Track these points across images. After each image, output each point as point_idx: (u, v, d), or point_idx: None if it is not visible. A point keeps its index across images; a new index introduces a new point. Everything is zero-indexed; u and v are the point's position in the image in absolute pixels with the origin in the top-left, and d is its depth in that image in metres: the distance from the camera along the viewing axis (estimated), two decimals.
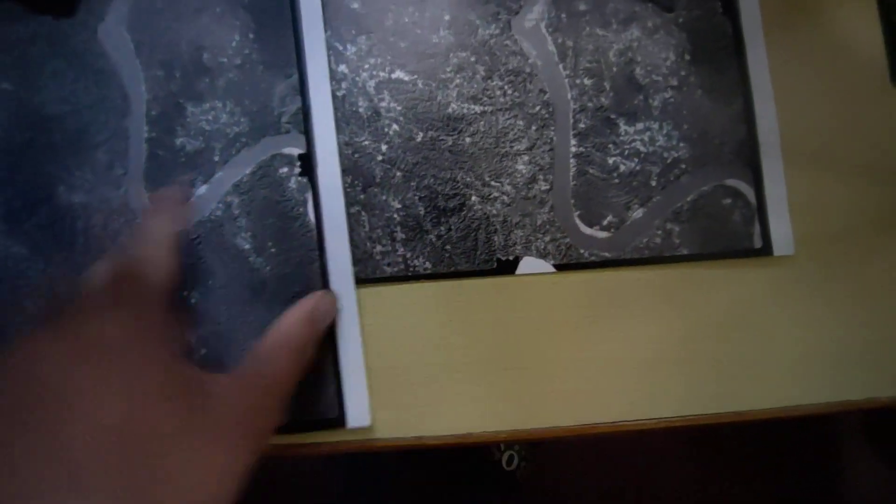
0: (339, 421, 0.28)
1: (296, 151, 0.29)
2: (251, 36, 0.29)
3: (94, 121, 0.30)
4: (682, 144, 0.29)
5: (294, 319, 0.25)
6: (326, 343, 0.28)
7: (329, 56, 0.29)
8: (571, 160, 0.29)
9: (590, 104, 0.29)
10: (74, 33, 0.30)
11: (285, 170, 0.29)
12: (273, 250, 0.28)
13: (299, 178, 0.28)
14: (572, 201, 0.29)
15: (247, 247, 0.28)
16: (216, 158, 0.29)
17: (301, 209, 0.28)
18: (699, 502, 0.91)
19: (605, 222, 0.29)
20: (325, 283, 0.28)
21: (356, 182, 0.29)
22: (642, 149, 0.29)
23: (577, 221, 0.29)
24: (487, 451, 0.83)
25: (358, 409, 0.28)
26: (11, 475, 0.18)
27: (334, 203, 0.28)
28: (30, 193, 0.29)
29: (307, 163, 0.28)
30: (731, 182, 0.29)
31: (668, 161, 0.29)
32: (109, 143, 0.29)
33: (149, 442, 0.19)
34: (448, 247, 0.29)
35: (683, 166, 0.29)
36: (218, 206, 0.29)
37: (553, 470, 0.91)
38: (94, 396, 0.20)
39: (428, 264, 0.29)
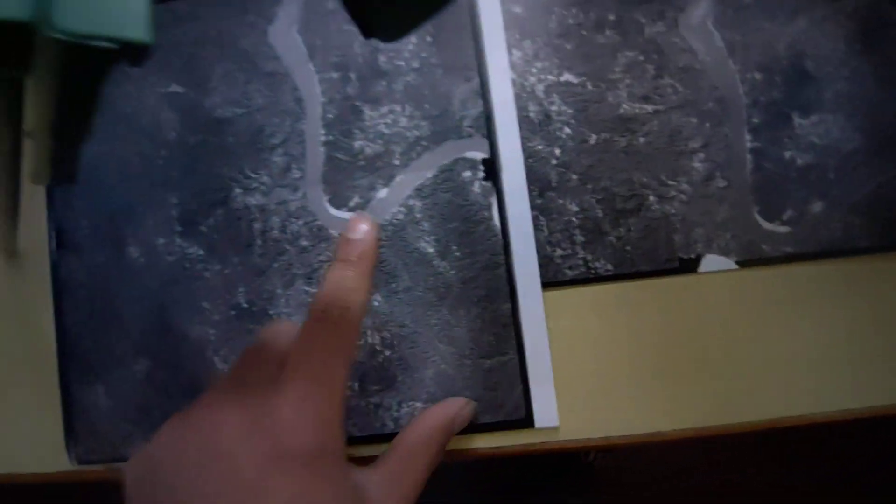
0: (526, 422, 0.28)
1: (479, 156, 0.29)
2: (429, 39, 0.29)
3: (268, 123, 0.30)
4: (856, 135, 0.29)
5: (437, 423, 0.26)
6: (513, 345, 0.28)
7: None
8: (748, 155, 0.29)
9: (762, 98, 0.29)
10: (243, 35, 0.31)
11: (468, 174, 0.29)
12: (457, 254, 0.29)
13: (483, 183, 0.29)
14: (751, 197, 0.29)
15: (430, 250, 0.29)
16: (396, 162, 0.29)
17: (486, 213, 0.29)
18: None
19: (785, 217, 0.29)
20: (511, 287, 0.28)
21: (532, 187, 0.29)
22: (818, 141, 0.29)
23: (757, 217, 0.29)
24: None
25: (546, 410, 0.28)
26: None
27: (520, 207, 0.28)
28: (205, 195, 0.30)
29: (491, 167, 0.29)
30: None
31: (845, 152, 0.29)
32: (285, 145, 0.30)
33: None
34: (628, 247, 0.29)
35: (860, 157, 0.29)
36: (399, 209, 0.29)
37: (629, 463, 0.91)
38: (269, 493, 0.20)
39: (609, 266, 0.29)
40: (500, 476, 0.86)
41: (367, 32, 0.18)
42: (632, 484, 0.91)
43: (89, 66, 0.15)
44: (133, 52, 0.14)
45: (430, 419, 0.26)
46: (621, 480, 0.90)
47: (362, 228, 0.24)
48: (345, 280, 0.23)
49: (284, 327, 0.25)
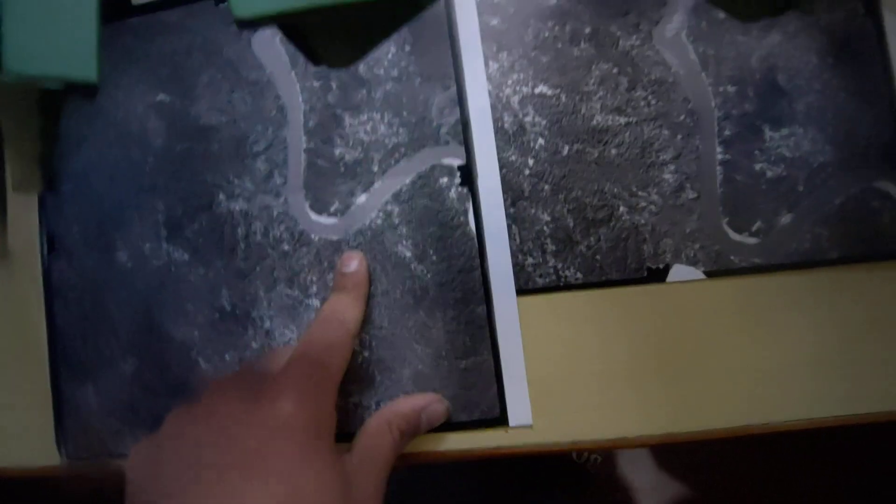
0: (501, 420, 0.29)
1: (456, 162, 0.30)
2: (407, 48, 0.30)
3: (252, 131, 0.31)
4: (827, 148, 0.30)
5: (399, 410, 0.27)
6: (487, 346, 0.29)
7: None
8: (718, 167, 0.30)
9: (734, 111, 0.30)
10: (228, 44, 0.31)
11: (445, 180, 0.30)
12: (434, 258, 0.29)
13: (459, 189, 0.29)
14: (720, 208, 0.29)
15: (408, 254, 0.30)
16: (375, 168, 0.30)
17: (462, 218, 0.29)
18: None
19: (753, 228, 0.29)
20: (486, 290, 0.29)
21: (505, 196, 0.30)
22: (788, 154, 0.30)
23: (726, 228, 0.29)
24: None
25: (520, 409, 0.29)
26: None
27: (495, 212, 0.29)
28: (190, 201, 0.31)
29: (467, 174, 0.29)
30: (879, 184, 0.29)
31: (815, 165, 0.29)
32: (268, 152, 0.31)
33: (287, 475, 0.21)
34: (598, 257, 0.29)
35: (830, 170, 0.29)
36: (378, 214, 0.30)
37: (624, 465, 0.92)
38: (271, 468, 0.21)
39: (579, 275, 0.29)
40: (502, 480, 0.87)
41: (315, 60, 0.19)
42: (628, 488, 0.92)
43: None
44: (82, 90, 0.15)
45: (393, 406, 0.28)
46: (615, 483, 0.91)
47: (354, 263, 0.29)
48: (341, 302, 0.27)
49: (283, 349, 0.27)
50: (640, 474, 0.92)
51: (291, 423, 0.22)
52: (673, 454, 0.92)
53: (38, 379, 0.32)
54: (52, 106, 0.17)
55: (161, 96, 0.32)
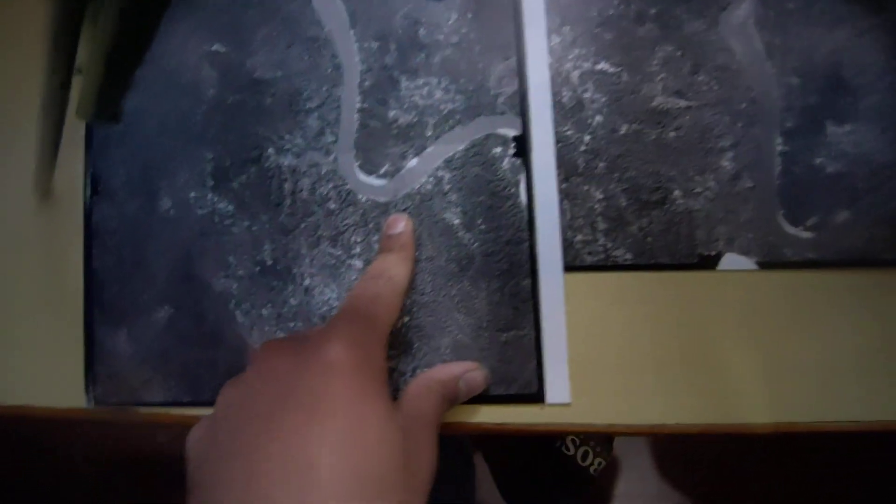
0: (538, 396, 0.28)
1: (511, 133, 0.29)
2: (469, 16, 0.30)
3: (306, 87, 0.31)
4: (891, 148, 0.29)
5: (437, 376, 0.27)
6: (530, 321, 0.29)
7: None
8: (777, 158, 0.29)
9: (797, 103, 0.29)
10: (287, 0, 0.31)
11: (499, 150, 0.29)
12: (482, 227, 0.29)
13: (513, 160, 0.29)
14: (777, 200, 0.29)
15: (456, 221, 0.29)
16: (428, 133, 0.30)
17: (513, 189, 0.29)
18: None
19: (809, 222, 0.29)
20: (532, 263, 0.29)
21: (559, 171, 0.29)
22: (850, 150, 0.29)
23: (781, 220, 0.29)
24: (563, 446, 0.84)
25: (558, 386, 0.28)
26: (249, 482, 0.19)
27: (547, 186, 0.29)
28: (239, 153, 0.31)
29: (522, 145, 0.29)
30: None
31: (877, 164, 0.29)
32: (321, 110, 0.30)
33: (372, 470, 0.20)
34: (650, 239, 0.29)
35: (892, 170, 0.29)
36: (428, 179, 0.29)
37: (628, 468, 0.91)
38: (332, 407, 0.21)
39: (629, 255, 0.29)
40: (495, 477, 0.86)
41: None
42: (630, 492, 0.91)
43: (146, 5, 0.15)
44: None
45: (431, 372, 0.27)
46: (618, 485, 0.90)
47: (400, 225, 0.28)
48: (388, 261, 0.27)
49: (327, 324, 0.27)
50: (642, 483, 0.92)
51: (343, 366, 0.21)
52: (677, 463, 0.91)
53: (71, 321, 0.32)
54: (129, 38, 0.17)
55: (216, 46, 0.31)
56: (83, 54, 0.19)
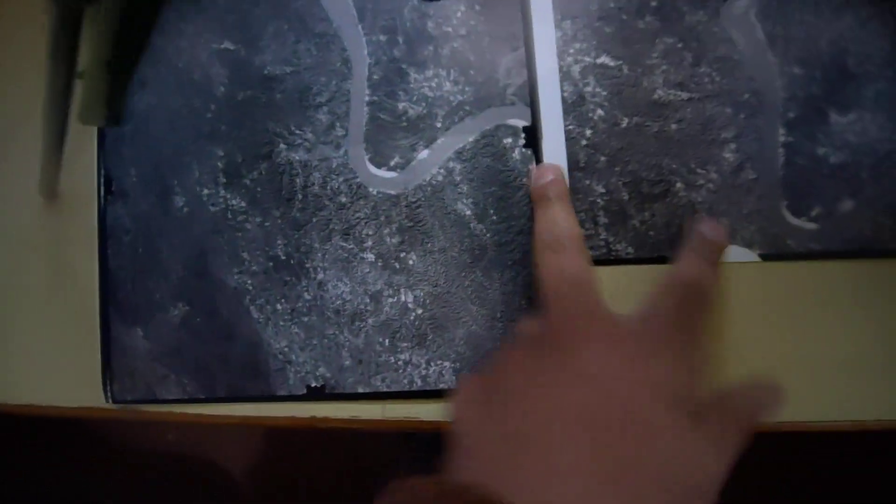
0: None
1: (521, 123, 0.30)
2: (477, 8, 0.30)
3: (316, 82, 0.31)
4: (894, 137, 0.29)
5: (694, 266, 0.26)
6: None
7: None
8: (780, 149, 0.29)
9: (800, 93, 0.29)
10: None
11: (509, 140, 0.30)
12: (494, 218, 0.29)
13: (523, 150, 0.29)
14: (780, 191, 0.29)
15: (468, 213, 0.30)
16: (438, 125, 0.30)
17: (524, 180, 0.29)
18: None
19: (813, 213, 0.29)
20: None
21: None
22: (853, 140, 0.29)
23: (785, 212, 0.29)
24: None
25: None
26: (491, 465, 0.20)
27: None
28: (250, 149, 0.31)
29: (532, 135, 0.29)
30: None
31: (881, 153, 0.29)
32: (331, 104, 0.31)
33: (640, 433, 0.21)
34: (651, 232, 0.29)
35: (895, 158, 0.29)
36: (439, 171, 0.30)
37: None
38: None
39: (630, 249, 0.29)
40: None
41: None
42: None
43: (144, 7, 0.15)
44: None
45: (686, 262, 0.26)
46: None
47: (550, 174, 0.27)
48: (551, 213, 0.26)
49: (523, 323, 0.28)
50: None
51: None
52: None
53: (87, 320, 0.33)
54: (128, 41, 0.17)
55: (226, 44, 0.32)
56: (84, 58, 0.20)
